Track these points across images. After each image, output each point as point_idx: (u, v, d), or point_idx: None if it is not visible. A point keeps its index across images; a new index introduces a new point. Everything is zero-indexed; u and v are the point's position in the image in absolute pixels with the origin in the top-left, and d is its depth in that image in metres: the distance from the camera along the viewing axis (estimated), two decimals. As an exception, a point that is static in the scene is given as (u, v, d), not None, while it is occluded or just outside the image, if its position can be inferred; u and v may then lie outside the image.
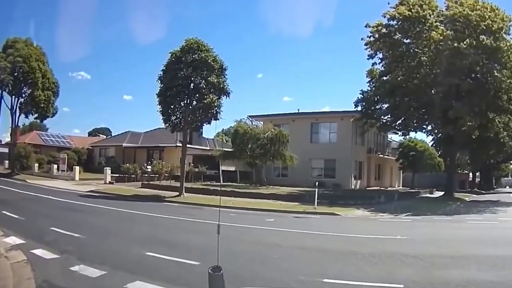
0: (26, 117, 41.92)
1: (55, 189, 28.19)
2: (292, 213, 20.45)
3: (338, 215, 20.07)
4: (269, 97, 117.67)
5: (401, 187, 51.51)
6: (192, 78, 25.22)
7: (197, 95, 25.39)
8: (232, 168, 39.42)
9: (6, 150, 45.39)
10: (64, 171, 39.57)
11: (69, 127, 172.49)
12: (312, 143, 41.08)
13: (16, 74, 38.60)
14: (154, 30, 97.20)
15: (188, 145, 29.19)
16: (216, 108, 25.35)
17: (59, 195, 24.25)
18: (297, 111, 44.67)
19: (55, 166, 40.52)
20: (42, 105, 39.37)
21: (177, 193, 26.12)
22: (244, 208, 21.37)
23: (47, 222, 13.02)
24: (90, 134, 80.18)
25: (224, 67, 26.16)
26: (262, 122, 39.10)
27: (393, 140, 54.06)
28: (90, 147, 53.24)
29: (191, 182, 30.92)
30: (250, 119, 39.30)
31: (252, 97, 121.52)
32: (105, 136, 66.18)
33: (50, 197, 22.55)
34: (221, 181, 37.16)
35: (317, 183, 24.34)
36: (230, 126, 69.58)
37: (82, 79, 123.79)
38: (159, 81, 25.96)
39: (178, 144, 38.69)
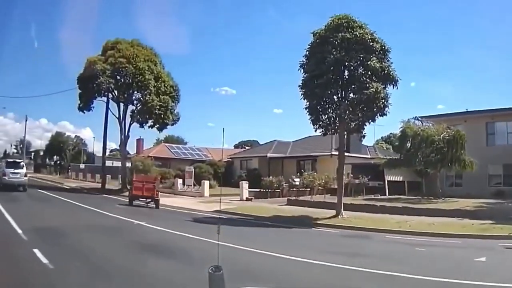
0: (141, 126, 39.32)
1: (167, 209, 25.24)
2: (496, 239, 15.40)
3: None
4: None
5: None
6: (346, 63, 20.31)
7: (354, 84, 20.36)
8: (399, 178, 35.35)
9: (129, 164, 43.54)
10: (191, 186, 36.84)
11: (215, 142, 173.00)
12: (488, 146, 35.58)
13: (119, 77, 36.56)
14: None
15: (345, 153, 23.95)
16: (382, 101, 19.89)
17: (163, 218, 20.31)
18: (467, 110, 38.87)
19: (180, 180, 37.92)
20: (157, 111, 35.94)
21: (334, 213, 21.33)
22: (427, 233, 16.72)
23: (85, 277, 8.52)
24: (236, 147, 79.71)
25: (386, 48, 20.73)
26: (432, 123, 33.07)
27: None
28: (229, 159, 51.33)
29: (351, 197, 27.04)
30: (419, 119, 33.61)
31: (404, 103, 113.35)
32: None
33: (143, 223, 17.72)
34: (387, 194, 33.18)
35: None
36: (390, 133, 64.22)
37: (227, 94, 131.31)
38: (301, 70, 21.48)
39: (333, 153, 35.37)
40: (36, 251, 10.29)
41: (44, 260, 9.45)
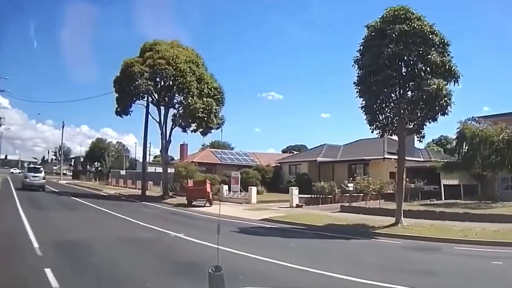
0: (184, 130, 38.36)
1: (211, 218, 23.56)
2: None
3: None
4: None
5: None
6: (404, 57, 18.85)
7: (413, 81, 18.90)
8: (454, 182, 33.86)
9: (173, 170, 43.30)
10: (237, 192, 35.73)
11: (262, 147, 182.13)
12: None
13: (158, 79, 35.97)
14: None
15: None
16: (445, 98, 18.34)
17: (205, 229, 17.66)
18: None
19: (225, 187, 36.80)
20: (200, 114, 34.61)
21: (392, 220, 19.87)
22: (497, 243, 15.22)
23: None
24: (284, 152, 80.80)
25: (445, 41, 19.07)
26: (489, 123, 31.16)
27: None
28: (277, 164, 50.61)
29: (406, 202, 25.36)
30: (476, 119, 32.02)
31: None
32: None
33: (181, 235, 15.98)
34: (443, 199, 31.72)
35: None
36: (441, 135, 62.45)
37: (273, 99, 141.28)
38: (356, 66, 20.12)
39: (386, 156, 35.49)
40: (47, 271, 8.98)
41: (54, 283, 8.19)
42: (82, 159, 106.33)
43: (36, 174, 39.44)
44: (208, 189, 30.32)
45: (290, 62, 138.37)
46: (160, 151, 40.02)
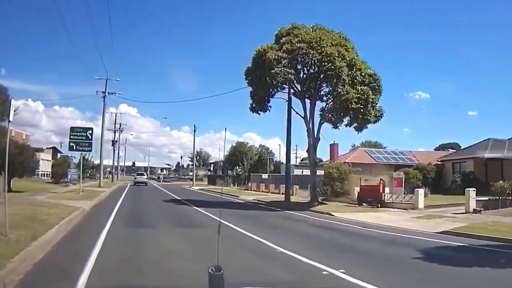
0: (335, 126, 32.94)
1: (378, 234, 17.66)
2: None
3: None
4: None
5: None
6: None
7: None
8: None
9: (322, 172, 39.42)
10: (401, 195, 30.49)
11: (411, 147, 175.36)
12: None
13: (299, 67, 31.26)
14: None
15: None
16: None
17: (374, 255, 12.52)
18: None
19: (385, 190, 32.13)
20: (355, 105, 29.15)
21: None
22: None
23: None
24: (437, 149, 77.69)
25: None
26: None
27: None
28: (439, 162, 46.75)
29: None
30: None
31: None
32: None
33: (338, 272, 9.43)
34: None
35: None
36: None
37: (420, 98, 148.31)
38: None
39: None
40: None
41: None
42: (221, 164, 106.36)
43: (141, 177, 73.06)
44: (381, 190, 30.47)
45: (437, 61, 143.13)
46: (307, 151, 35.08)
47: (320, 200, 32.77)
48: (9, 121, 12.29)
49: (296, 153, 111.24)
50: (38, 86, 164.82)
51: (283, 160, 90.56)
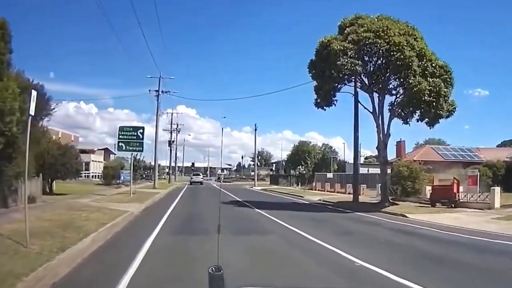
0: (405, 122, 31.11)
1: (452, 235, 16.66)
2: None
3: None
4: None
5: None
6: None
7: None
8: None
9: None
10: (476, 194, 28.71)
11: (471, 145, 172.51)
12: None
13: (366, 58, 29.47)
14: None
15: None
16: None
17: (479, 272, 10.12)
18: None
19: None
20: (426, 98, 27.15)
21: None
22: None
23: None
24: (499, 146, 75.77)
25: None
26: None
27: None
28: (507, 159, 44.23)
29: None
30: None
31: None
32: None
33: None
34: None
35: None
36: None
37: (480, 95, 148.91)
38: None
39: None
40: None
41: None
42: (283, 163, 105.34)
43: (197, 177, 80.00)
44: (455, 189, 28.91)
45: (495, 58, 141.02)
46: (377, 148, 32.95)
47: (391, 200, 30.84)
48: (29, 115, 10.68)
49: (360, 151, 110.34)
50: (92, 89, 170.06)
51: (347, 158, 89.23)
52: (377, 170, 41.36)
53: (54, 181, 33.61)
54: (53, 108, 27.68)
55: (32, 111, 10.55)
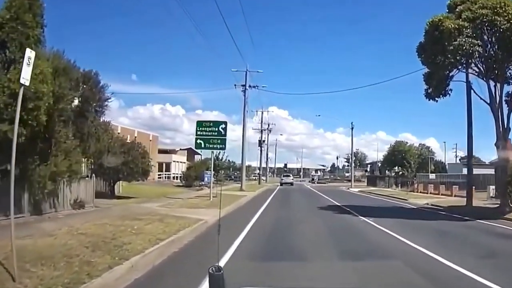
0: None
1: None
2: None
3: None
4: None
5: None
6: None
7: None
8: None
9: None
10: None
11: None
12: None
13: (486, 38, 25.30)
14: None
15: None
16: None
17: None
18: None
19: None
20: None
21: None
22: None
23: None
24: None
25: None
26: None
27: None
28: None
29: None
30: None
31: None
32: None
33: None
34: None
35: None
36: None
37: None
38: None
39: None
40: None
41: None
42: (379, 165, 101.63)
43: (287, 178, 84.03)
44: None
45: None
46: (495, 144, 28.42)
47: (510, 205, 25.87)
48: (20, 84, 7.28)
49: (456, 151, 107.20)
50: (180, 90, 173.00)
51: (444, 159, 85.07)
52: (480, 171, 38.83)
53: (117, 183, 31.29)
54: (108, 98, 23.69)
55: (26, 79, 7.14)
